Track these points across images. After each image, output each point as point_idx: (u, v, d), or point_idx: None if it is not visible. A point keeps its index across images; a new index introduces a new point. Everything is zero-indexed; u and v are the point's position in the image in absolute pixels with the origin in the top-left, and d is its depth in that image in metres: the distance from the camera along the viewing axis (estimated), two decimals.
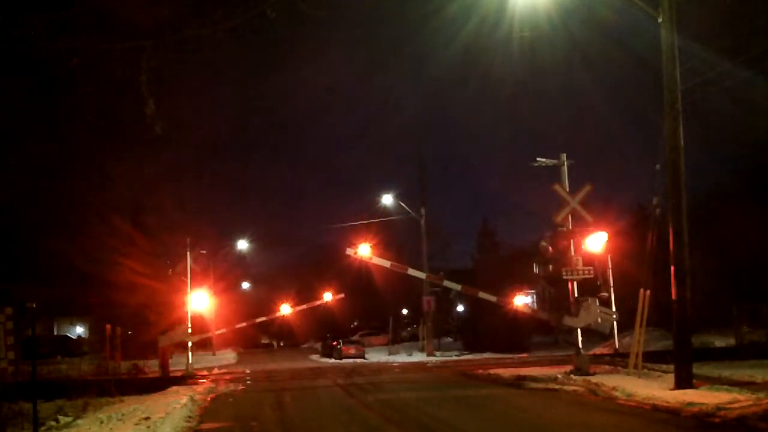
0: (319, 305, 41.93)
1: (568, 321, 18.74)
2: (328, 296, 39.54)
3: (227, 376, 24.90)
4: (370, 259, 22.84)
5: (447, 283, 25.81)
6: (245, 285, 65.37)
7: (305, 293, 62.36)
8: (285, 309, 39.79)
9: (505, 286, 43.18)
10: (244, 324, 37.91)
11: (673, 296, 13.37)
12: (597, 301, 18.34)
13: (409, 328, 52.73)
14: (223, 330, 37.84)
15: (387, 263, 22.83)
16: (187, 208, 43.00)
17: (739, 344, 22.63)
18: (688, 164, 13.77)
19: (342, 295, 39.50)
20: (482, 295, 22.14)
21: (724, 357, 19.81)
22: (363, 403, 14.39)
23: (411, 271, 24.17)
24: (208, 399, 16.15)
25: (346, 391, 17.02)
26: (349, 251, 22.47)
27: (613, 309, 20.10)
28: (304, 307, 41.26)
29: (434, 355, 35.55)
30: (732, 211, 28.28)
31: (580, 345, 18.31)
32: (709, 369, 16.17)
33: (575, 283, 18.47)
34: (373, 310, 54.98)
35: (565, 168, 19.26)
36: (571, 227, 18.27)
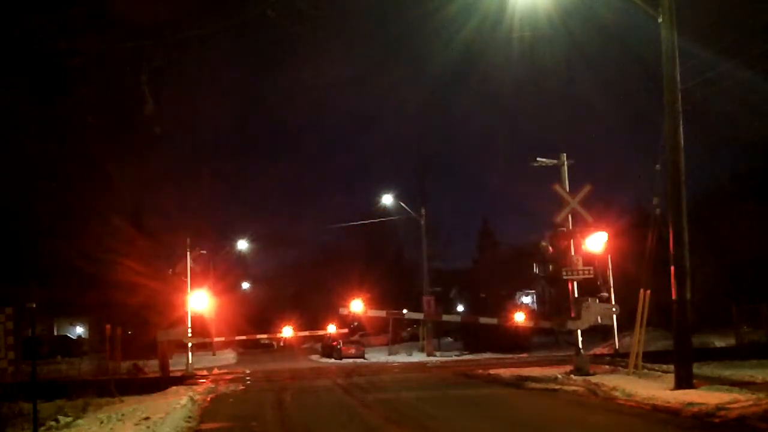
0: (320, 304, 42.31)
1: (572, 325, 18.71)
2: (332, 328, 39.99)
3: (227, 376, 24.91)
4: (365, 313, 23.12)
5: (445, 317, 26.22)
6: (245, 285, 65.34)
7: (306, 293, 62.49)
8: (287, 332, 40.37)
9: (505, 286, 43.39)
10: (244, 337, 38.16)
11: (673, 296, 13.36)
12: (597, 300, 18.35)
13: (409, 328, 52.62)
14: (223, 338, 38.06)
15: (382, 313, 23.14)
16: (187, 207, 43.02)
17: (739, 344, 22.61)
18: (688, 164, 13.78)
19: (346, 330, 39.94)
20: (483, 320, 22.44)
21: (724, 357, 19.79)
22: (363, 402, 14.38)
23: (408, 314, 24.50)
24: (208, 399, 16.15)
25: (346, 391, 17.02)
26: (343, 310, 22.72)
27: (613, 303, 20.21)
28: (306, 333, 41.78)
29: (434, 355, 35.46)
30: (732, 211, 28.27)
31: (580, 345, 18.31)
32: (709, 369, 16.17)
33: (575, 283, 18.48)
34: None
35: (565, 168, 19.26)
36: (571, 227, 18.27)
